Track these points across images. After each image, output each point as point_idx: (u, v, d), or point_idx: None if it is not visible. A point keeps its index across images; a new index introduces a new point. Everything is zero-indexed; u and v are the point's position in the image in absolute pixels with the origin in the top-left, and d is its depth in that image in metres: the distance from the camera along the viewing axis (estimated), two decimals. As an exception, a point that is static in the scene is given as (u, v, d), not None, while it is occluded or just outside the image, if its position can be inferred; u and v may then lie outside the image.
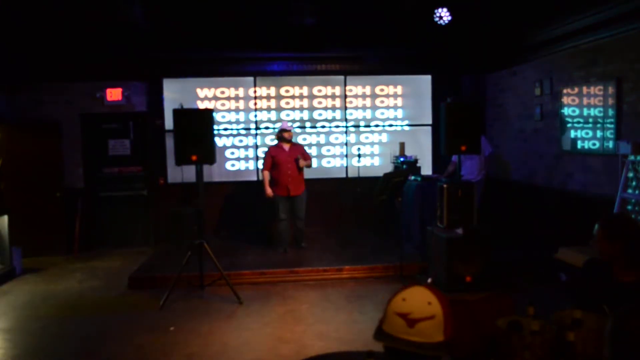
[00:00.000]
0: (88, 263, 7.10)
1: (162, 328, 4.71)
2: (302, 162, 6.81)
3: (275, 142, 7.02)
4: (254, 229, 7.91)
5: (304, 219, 6.99)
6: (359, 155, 7.41)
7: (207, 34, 7.12)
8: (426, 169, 7.85)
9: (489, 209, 6.97)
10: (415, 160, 7.37)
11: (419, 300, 1.33)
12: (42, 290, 5.97)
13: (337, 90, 8.15)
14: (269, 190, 6.82)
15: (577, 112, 5.94)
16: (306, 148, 7.27)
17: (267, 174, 6.88)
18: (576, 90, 5.93)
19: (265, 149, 8.00)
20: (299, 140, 7.85)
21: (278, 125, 8.02)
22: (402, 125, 8.30)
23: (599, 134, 5.58)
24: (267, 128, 8.08)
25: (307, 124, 8.09)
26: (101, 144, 7.88)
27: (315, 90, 8.14)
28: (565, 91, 6.14)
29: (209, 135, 5.44)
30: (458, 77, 8.13)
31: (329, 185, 7.89)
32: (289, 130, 6.88)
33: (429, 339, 1.30)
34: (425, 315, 1.30)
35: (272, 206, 6.97)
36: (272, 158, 6.83)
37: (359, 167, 7.40)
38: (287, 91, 8.10)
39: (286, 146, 6.85)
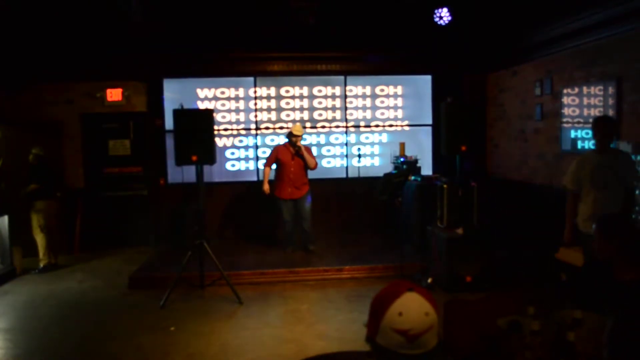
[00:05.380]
0: (88, 263, 7.10)
1: (163, 328, 4.71)
2: (306, 154, 6.64)
3: (285, 140, 6.84)
4: (254, 229, 7.92)
5: (309, 219, 6.85)
6: (359, 156, 7.39)
7: (207, 34, 7.13)
8: (426, 169, 7.85)
9: (489, 209, 6.96)
10: (416, 161, 7.37)
11: (417, 313, 1.27)
12: (42, 290, 5.97)
13: (337, 90, 8.15)
14: (266, 186, 6.73)
15: (577, 112, 5.94)
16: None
17: (268, 170, 6.80)
18: (576, 90, 5.93)
19: (265, 149, 8.05)
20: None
21: (278, 125, 8.05)
22: (402, 126, 8.30)
23: (599, 134, 5.57)
24: (267, 128, 8.08)
25: (308, 124, 8.08)
26: (101, 144, 7.87)
27: (315, 91, 8.14)
28: (565, 91, 6.13)
29: (209, 135, 5.44)
30: (458, 77, 8.12)
31: (329, 185, 7.88)
32: (299, 136, 6.62)
33: (428, 347, 1.28)
34: (426, 328, 1.27)
35: (274, 206, 6.96)
36: (277, 157, 6.73)
37: (359, 167, 7.40)
38: (287, 91, 8.09)
39: (292, 149, 6.68)
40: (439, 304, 1.40)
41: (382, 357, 1.30)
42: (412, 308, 1.28)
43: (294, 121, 7.96)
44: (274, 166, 6.87)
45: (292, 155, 6.69)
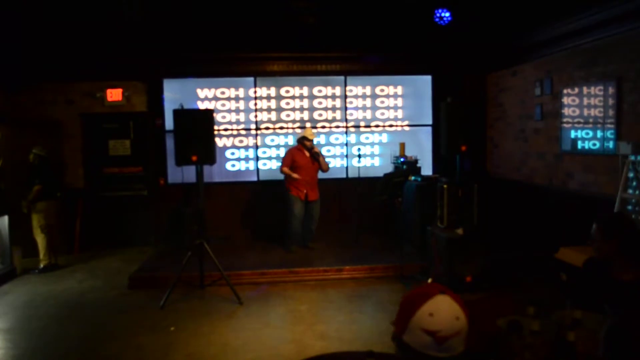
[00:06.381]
0: (88, 263, 7.10)
1: (162, 328, 4.71)
2: (322, 160, 6.87)
3: (292, 144, 7.09)
4: (255, 229, 7.93)
5: (318, 221, 7.04)
6: (359, 156, 7.40)
7: (207, 34, 7.13)
8: (426, 169, 7.85)
9: (489, 209, 6.96)
10: (416, 161, 7.37)
11: (448, 315, 1.27)
12: (42, 290, 5.97)
13: (338, 90, 8.15)
14: (295, 175, 6.75)
15: (577, 112, 5.94)
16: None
17: (286, 169, 6.82)
18: (576, 90, 5.93)
19: (265, 149, 8.06)
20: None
21: (278, 125, 8.06)
22: (402, 126, 8.30)
23: (599, 134, 5.58)
24: (267, 128, 8.08)
25: (308, 124, 8.08)
26: (101, 144, 7.87)
27: (315, 91, 8.13)
28: (565, 91, 6.13)
29: (209, 135, 5.44)
30: (458, 77, 8.12)
31: (330, 185, 7.87)
32: (310, 141, 6.85)
33: (454, 352, 1.27)
34: (455, 332, 1.26)
35: (275, 205, 7.00)
36: (294, 159, 6.83)
37: (359, 167, 7.40)
38: (287, 91, 8.09)
39: (307, 152, 6.86)
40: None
41: (407, 356, 1.29)
42: (443, 310, 1.27)
43: (293, 121, 7.97)
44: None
45: (310, 159, 6.86)
